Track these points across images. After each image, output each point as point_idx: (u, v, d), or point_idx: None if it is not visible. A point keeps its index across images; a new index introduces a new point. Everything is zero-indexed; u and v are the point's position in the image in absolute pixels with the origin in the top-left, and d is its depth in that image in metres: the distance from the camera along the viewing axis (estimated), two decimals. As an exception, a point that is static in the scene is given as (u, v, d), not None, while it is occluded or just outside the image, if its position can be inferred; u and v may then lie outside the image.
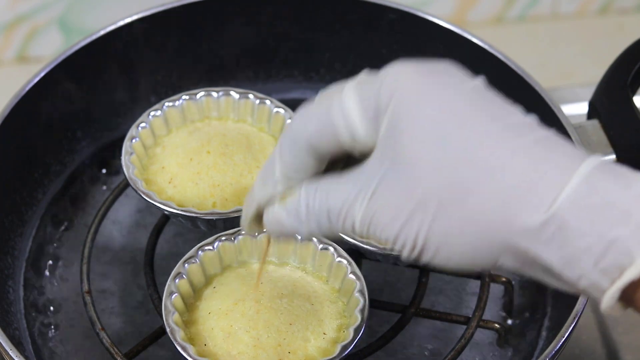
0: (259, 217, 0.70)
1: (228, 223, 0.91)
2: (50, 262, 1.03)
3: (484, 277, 0.94)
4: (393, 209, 0.59)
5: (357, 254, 0.91)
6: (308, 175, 0.64)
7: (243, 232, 0.89)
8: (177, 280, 0.86)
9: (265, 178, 0.67)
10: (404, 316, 0.92)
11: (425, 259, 0.60)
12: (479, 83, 0.60)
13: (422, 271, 0.95)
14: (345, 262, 0.87)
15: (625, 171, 0.56)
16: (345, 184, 0.62)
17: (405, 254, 0.60)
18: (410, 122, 0.58)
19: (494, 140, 0.57)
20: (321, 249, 0.88)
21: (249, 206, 0.70)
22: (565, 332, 0.84)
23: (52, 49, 1.35)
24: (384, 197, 0.60)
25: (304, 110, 0.63)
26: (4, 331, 0.83)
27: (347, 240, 0.89)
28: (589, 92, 1.00)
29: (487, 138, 0.57)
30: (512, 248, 0.57)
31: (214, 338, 0.83)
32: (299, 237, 0.69)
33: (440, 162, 0.57)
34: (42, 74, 1.02)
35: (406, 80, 0.59)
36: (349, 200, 0.62)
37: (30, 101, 1.01)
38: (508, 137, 0.57)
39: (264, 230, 0.69)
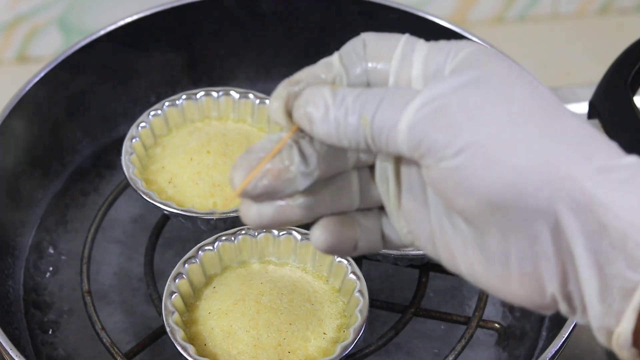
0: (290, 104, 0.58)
1: (228, 223, 0.91)
2: (50, 262, 1.03)
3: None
4: (462, 108, 0.52)
5: (357, 254, 0.91)
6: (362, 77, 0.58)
7: (243, 232, 0.89)
8: (177, 280, 0.86)
9: (318, 64, 0.59)
10: (404, 316, 0.92)
11: (469, 170, 0.51)
12: None
13: (422, 271, 0.95)
14: (345, 261, 0.87)
15: None
16: (409, 88, 0.56)
17: (445, 154, 0.52)
18: (494, 57, 0.55)
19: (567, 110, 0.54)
20: (321, 249, 0.88)
21: (287, 82, 0.58)
22: (565, 332, 0.84)
23: (52, 49, 1.35)
24: (451, 98, 0.53)
25: (376, 33, 0.59)
26: (4, 331, 0.83)
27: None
28: (589, 92, 1.00)
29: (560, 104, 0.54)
30: (574, 189, 0.50)
31: (214, 338, 0.83)
32: (324, 132, 0.55)
33: (534, 84, 0.54)
34: (42, 74, 1.02)
35: (482, 47, 0.57)
36: (409, 95, 0.54)
37: (30, 101, 1.01)
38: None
39: (286, 123, 0.58)
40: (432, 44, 0.56)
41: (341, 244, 0.60)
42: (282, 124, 0.57)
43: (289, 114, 0.57)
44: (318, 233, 0.59)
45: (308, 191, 0.58)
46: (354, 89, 0.55)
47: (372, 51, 0.57)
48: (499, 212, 0.52)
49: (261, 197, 0.57)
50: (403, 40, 0.57)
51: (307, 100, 0.56)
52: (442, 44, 0.56)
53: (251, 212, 0.58)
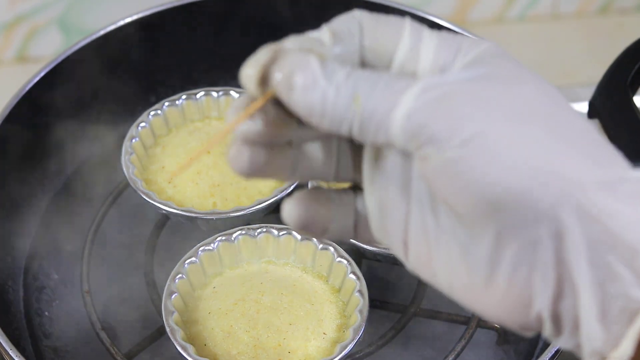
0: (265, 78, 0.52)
1: (228, 223, 0.91)
2: (50, 262, 1.03)
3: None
4: (468, 98, 0.49)
5: (357, 253, 0.91)
6: (355, 52, 0.53)
7: (243, 232, 0.89)
8: (177, 280, 0.86)
9: (305, 35, 0.53)
10: (403, 316, 0.92)
11: (472, 163, 0.48)
12: None
13: (422, 271, 0.95)
14: (345, 261, 0.87)
15: None
16: (407, 75, 0.52)
17: (449, 144, 0.48)
18: (506, 57, 0.52)
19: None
20: (321, 249, 0.88)
21: (266, 49, 0.52)
22: (565, 332, 0.84)
23: (52, 49, 1.35)
24: (456, 88, 0.49)
25: (373, 15, 0.54)
26: (4, 331, 0.83)
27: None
28: (589, 92, 0.99)
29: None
30: (582, 196, 0.47)
31: (214, 338, 0.83)
32: (305, 104, 0.50)
33: (544, 85, 0.51)
34: (42, 74, 1.02)
35: (495, 46, 0.53)
36: (407, 80, 0.50)
37: (30, 101, 1.01)
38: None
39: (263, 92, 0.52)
40: (441, 37, 0.53)
41: (313, 222, 0.56)
42: (251, 92, 0.52)
43: (264, 82, 0.51)
44: (290, 207, 0.56)
45: (296, 148, 0.55)
46: (344, 66, 0.51)
47: (371, 37, 0.53)
48: (499, 210, 0.48)
49: (258, 139, 0.53)
50: (408, 29, 0.53)
51: (291, 65, 0.50)
52: (451, 38, 0.53)
53: (243, 156, 0.53)
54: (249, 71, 0.52)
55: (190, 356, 0.80)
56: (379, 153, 0.54)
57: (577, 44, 1.43)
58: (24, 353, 0.83)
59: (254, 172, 0.54)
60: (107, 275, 1.02)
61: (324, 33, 0.53)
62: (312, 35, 0.53)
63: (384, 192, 0.54)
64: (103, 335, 0.89)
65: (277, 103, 0.52)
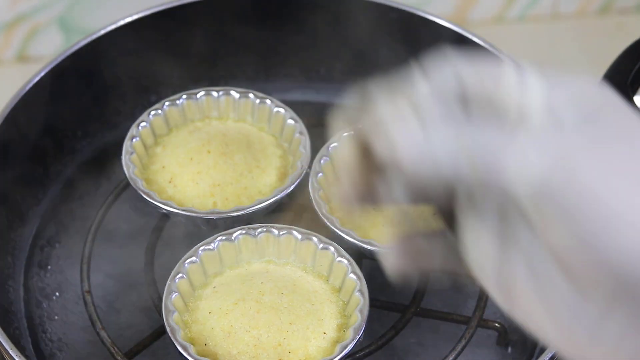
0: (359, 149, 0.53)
1: (228, 223, 0.91)
2: (50, 261, 1.03)
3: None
4: (593, 167, 0.48)
5: (357, 253, 0.91)
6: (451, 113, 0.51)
7: (243, 232, 0.89)
8: (177, 280, 0.86)
9: (394, 94, 0.52)
10: (404, 316, 0.92)
11: (602, 239, 0.47)
12: None
13: (422, 271, 0.95)
14: (345, 261, 0.87)
15: None
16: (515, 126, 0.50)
17: (577, 220, 0.47)
18: (619, 107, 0.51)
19: None
20: (321, 249, 0.88)
21: (362, 116, 0.53)
22: (565, 332, 0.84)
23: (52, 48, 1.35)
24: (580, 157, 0.48)
25: (472, 66, 0.53)
26: (4, 331, 0.83)
27: (347, 239, 0.89)
28: (589, 92, 0.99)
29: None
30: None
31: (214, 337, 0.83)
32: (414, 176, 0.50)
33: None
34: (42, 74, 1.02)
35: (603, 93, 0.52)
36: (516, 134, 0.49)
37: (30, 101, 1.01)
38: None
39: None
40: (543, 75, 0.52)
41: (415, 271, 0.58)
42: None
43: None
44: (393, 261, 0.57)
45: None
46: (448, 125, 0.50)
47: (473, 79, 0.52)
48: (616, 274, 0.47)
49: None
50: (509, 68, 0.52)
51: (392, 138, 0.50)
52: (554, 76, 0.52)
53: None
54: (347, 140, 0.54)
55: (191, 356, 0.80)
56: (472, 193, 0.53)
57: (577, 44, 1.43)
58: (24, 353, 0.83)
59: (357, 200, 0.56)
60: (107, 275, 1.02)
61: (418, 81, 0.52)
62: (405, 86, 0.53)
63: (478, 235, 0.53)
64: (103, 335, 0.89)
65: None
